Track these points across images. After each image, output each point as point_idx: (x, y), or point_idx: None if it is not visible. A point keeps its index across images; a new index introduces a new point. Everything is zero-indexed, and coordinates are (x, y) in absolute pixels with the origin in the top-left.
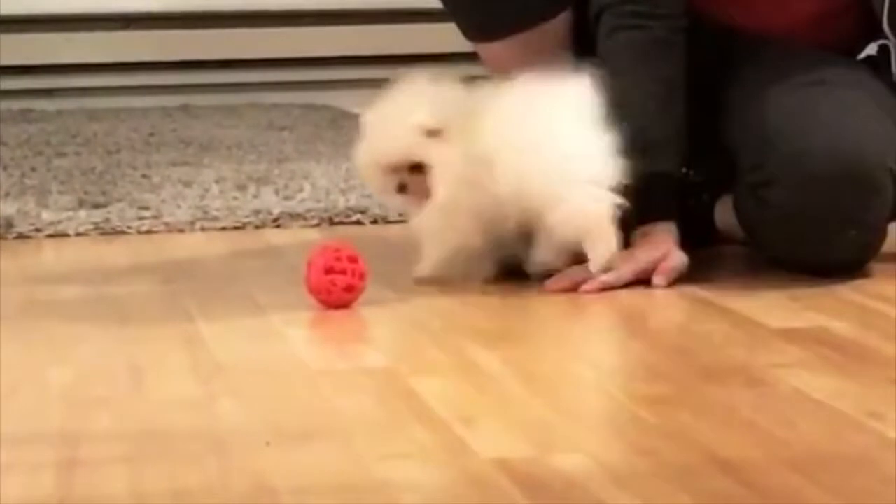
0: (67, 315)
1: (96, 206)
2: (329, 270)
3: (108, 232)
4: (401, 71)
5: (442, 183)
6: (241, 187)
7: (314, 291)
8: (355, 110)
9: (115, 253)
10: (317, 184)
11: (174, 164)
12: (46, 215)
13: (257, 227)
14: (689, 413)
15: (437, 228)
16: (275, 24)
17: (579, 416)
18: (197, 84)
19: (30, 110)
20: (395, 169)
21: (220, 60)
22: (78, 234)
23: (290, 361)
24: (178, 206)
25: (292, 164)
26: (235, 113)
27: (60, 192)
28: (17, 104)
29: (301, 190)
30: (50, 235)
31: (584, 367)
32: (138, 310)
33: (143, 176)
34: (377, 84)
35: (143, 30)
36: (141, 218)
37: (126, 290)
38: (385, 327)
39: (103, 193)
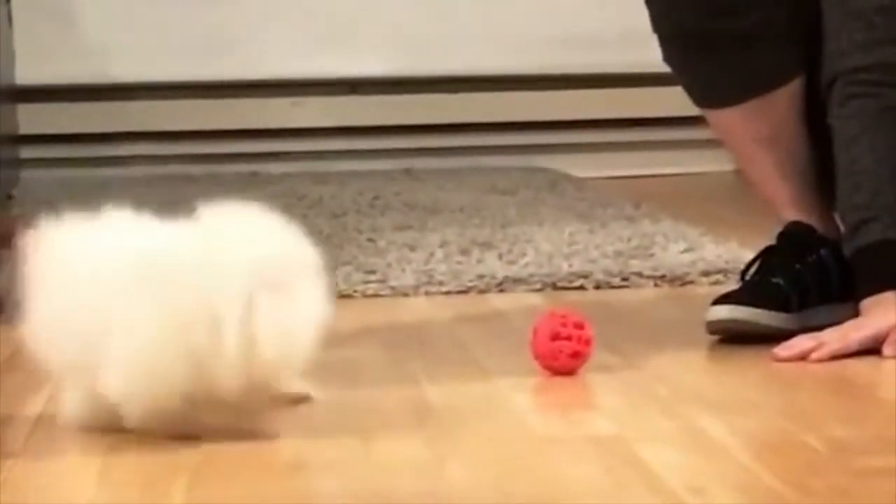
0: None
1: (324, 269)
2: (555, 337)
3: (334, 295)
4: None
5: None
6: (465, 252)
7: (540, 357)
8: (575, 173)
9: (342, 316)
10: (539, 248)
11: (399, 228)
12: None
13: (481, 291)
14: None
15: None
16: (496, 89)
17: (809, 488)
18: (420, 148)
19: (256, 174)
20: None
21: (443, 125)
22: None
23: (517, 427)
24: (403, 271)
25: (515, 229)
26: (458, 176)
27: None
28: (245, 168)
29: (524, 254)
30: None
31: (813, 438)
32: (366, 373)
33: (369, 240)
34: (597, 148)
35: (367, 94)
36: (367, 282)
37: (353, 353)
38: (611, 394)
39: (330, 257)
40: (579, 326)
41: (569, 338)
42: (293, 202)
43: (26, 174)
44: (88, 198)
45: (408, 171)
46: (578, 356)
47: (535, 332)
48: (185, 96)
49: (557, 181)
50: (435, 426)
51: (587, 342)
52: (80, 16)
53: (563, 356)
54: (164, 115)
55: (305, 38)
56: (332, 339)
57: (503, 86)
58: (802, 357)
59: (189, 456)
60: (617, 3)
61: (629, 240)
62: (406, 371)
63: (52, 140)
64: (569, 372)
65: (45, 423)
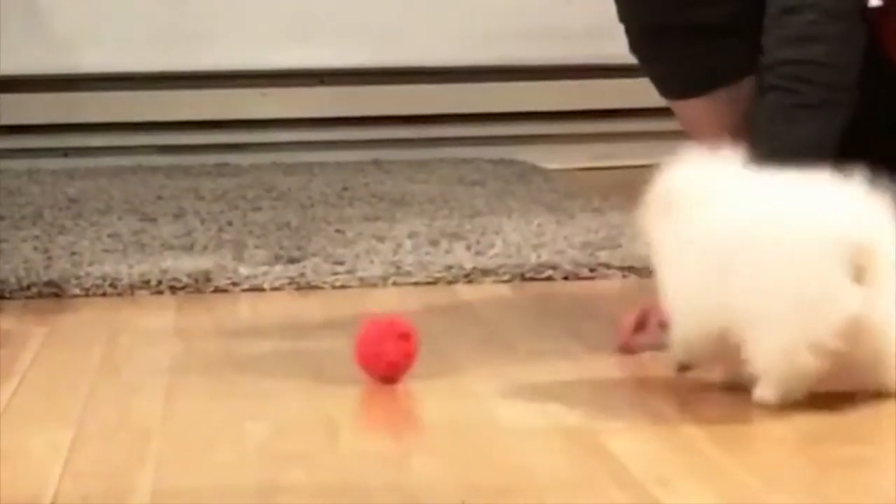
0: (263, 369)
1: (292, 260)
2: (378, 343)
3: (303, 287)
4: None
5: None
6: (434, 242)
7: (360, 362)
8: (544, 165)
9: (310, 308)
10: (508, 239)
11: (367, 219)
12: (243, 269)
13: (449, 282)
14: None
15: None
16: (465, 80)
17: (778, 479)
18: (389, 139)
19: (225, 164)
20: None
21: (412, 116)
22: (273, 289)
23: (484, 418)
24: (371, 262)
25: (483, 220)
26: (426, 168)
27: (256, 247)
28: (212, 158)
29: (492, 245)
30: (246, 290)
31: (780, 428)
32: (333, 365)
33: (337, 231)
34: (565, 139)
35: (335, 85)
36: (335, 273)
37: (321, 344)
38: (578, 384)
39: (298, 248)
40: (404, 337)
41: (390, 347)
42: (261, 193)
43: (1, 165)
44: (60, 189)
45: (376, 163)
46: (396, 366)
47: (359, 337)
48: (154, 87)
49: (526, 172)
50: (401, 418)
51: (408, 354)
52: (48, 6)
53: (382, 364)
54: (133, 105)
55: (273, 28)
56: (300, 330)
57: (472, 77)
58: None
59: (153, 443)
60: None
61: (597, 231)
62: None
63: (21, 130)
64: (389, 380)
65: None
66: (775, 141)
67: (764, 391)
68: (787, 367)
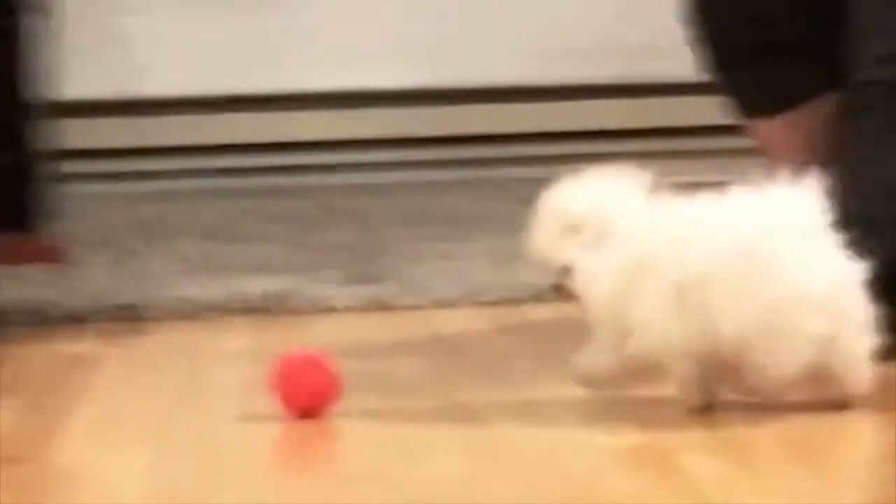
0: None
1: (363, 281)
2: (293, 377)
3: (375, 307)
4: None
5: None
6: (503, 262)
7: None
8: None
9: (383, 328)
10: None
11: (438, 240)
12: (316, 290)
13: (520, 302)
14: None
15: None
16: (529, 99)
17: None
18: (457, 159)
19: (295, 186)
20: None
21: (479, 135)
22: (346, 309)
23: (557, 438)
24: (443, 282)
25: None
26: (494, 187)
27: (328, 268)
28: (283, 180)
29: None
30: (319, 311)
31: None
32: (407, 385)
33: (408, 251)
34: (623, 158)
35: (404, 106)
36: (407, 294)
37: (395, 365)
38: (645, 402)
39: (370, 269)
40: (317, 367)
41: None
42: (331, 214)
43: (69, 189)
44: (131, 212)
45: (445, 183)
46: (317, 397)
47: (277, 373)
48: (223, 110)
49: None
50: (475, 438)
51: (327, 386)
52: (116, 31)
53: (302, 398)
54: (202, 128)
55: (340, 49)
56: (373, 351)
57: (537, 96)
58: None
59: (229, 464)
60: (647, 12)
61: None
62: (446, 383)
63: (91, 155)
64: (308, 414)
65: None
66: (868, 163)
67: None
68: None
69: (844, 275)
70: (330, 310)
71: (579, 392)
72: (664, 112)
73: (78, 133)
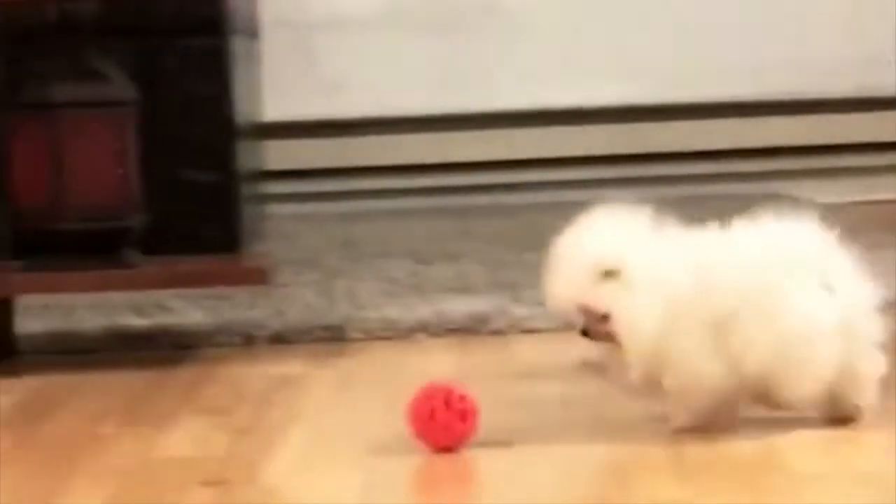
0: (545, 413)
1: None
2: (431, 415)
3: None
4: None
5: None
6: None
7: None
8: (818, 198)
9: (587, 349)
10: None
11: None
12: (519, 311)
13: None
14: None
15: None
16: (733, 115)
17: None
18: (660, 176)
19: (497, 205)
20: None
21: (684, 152)
22: (549, 330)
23: (775, 464)
24: None
25: None
26: (701, 204)
27: (532, 287)
28: (484, 199)
29: None
30: (522, 331)
31: None
32: (613, 408)
33: None
34: (839, 173)
35: (608, 123)
36: None
37: (600, 387)
38: (875, 428)
39: None
40: (460, 401)
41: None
42: (533, 233)
43: (272, 209)
44: (335, 232)
45: (649, 201)
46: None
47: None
48: (425, 129)
49: (799, 208)
50: (690, 461)
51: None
52: (318, 52)
53: (437, 432)
54: (404, 147)
55: (545, 67)
56: (578, 372)
57: (740, 112)
58: None
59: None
60: (853, 27)
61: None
62: (655, 404)
63: (293, 175)
64: (446, 448)
65: None
66: None
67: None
68: None
69: (855, 299)
70: (534, 330)
71: (793, 417)
72: (874, 126)
73: (282, 154)
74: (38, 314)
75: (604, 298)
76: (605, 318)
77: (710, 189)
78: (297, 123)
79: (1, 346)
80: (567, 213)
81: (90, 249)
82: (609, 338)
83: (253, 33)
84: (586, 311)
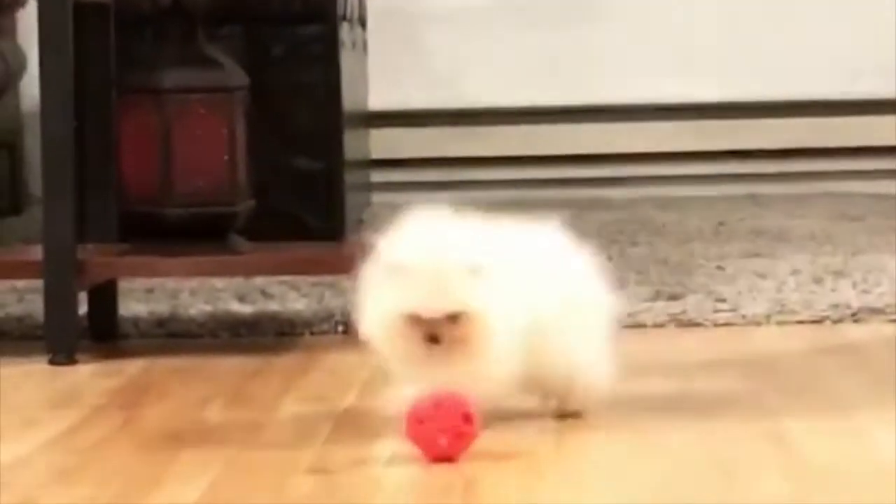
0: (651, 408)
1: (673, 297)
2: (423, 421)
3: (684, 324)
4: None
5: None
6: (818, 280)
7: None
8: None
9: (693, 345)
10: (894, 277)
11: (746, 256)
12: (625, 306)
13: (835, 321)
14: None
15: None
16: (841, 113)
17: None
18: (764, 173)
19: (602, 198)
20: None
21: (787, 149)
22: (655, 326)
23: (876, 463)
24: (754, 299)
25: (867, 257)
26: (804, 203)
27: (637, 283)
28: (590, 192)
29: (879, 284)
30: (628, 326)
31: None
32: (722, 405)
33: (717, 267)
34: None
35: (712, 119)
36: (717, 311)
37: (707, 384)
38: None
39: (679, 284)
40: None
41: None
42: (638, 228)
43: (377, 198)
44: None
45: (752, 197)
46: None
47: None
48: (534, 121)
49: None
50: (797, 462)
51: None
52: (429, 42)
53: (439, 442)
54: (511, 139)
55: (652, 62)
56: (684, 369)
57: (847, 110)
58: None
59: (545, 478)
60: None
61: None
62: (764, 403)
63: (400, 164)
64: (446, 458)
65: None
66: None
67: None
68: None
69: (583, 298)
70: (640, 325)
71: None
72: None
73: (387, 142)
74: (142, 298)
75: (472, 297)
76: (454, 318)
77: (813, 187)
78: (402, 113)
79: (105, 328)
80: (669, 208)
81: (196, 235)
82: (459, 341)
83: (361, 22)
84: (448, 315)
